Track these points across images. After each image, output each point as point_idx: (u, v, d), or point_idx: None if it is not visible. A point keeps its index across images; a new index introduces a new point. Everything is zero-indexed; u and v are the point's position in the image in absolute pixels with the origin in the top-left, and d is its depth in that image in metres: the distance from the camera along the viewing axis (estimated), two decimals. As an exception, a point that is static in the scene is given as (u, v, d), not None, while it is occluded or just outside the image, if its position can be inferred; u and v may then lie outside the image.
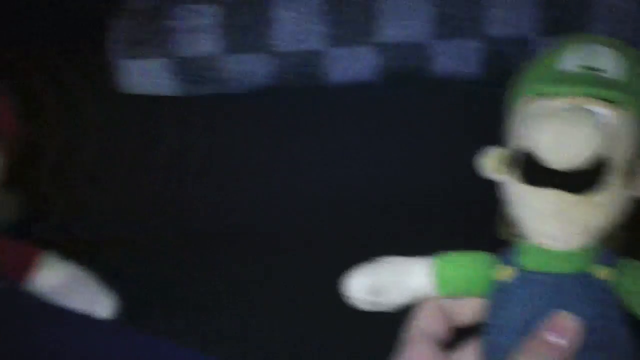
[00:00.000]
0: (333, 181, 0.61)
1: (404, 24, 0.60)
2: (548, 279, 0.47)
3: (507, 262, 0.48)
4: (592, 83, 0.46)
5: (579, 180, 0.44)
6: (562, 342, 0.43)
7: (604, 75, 0.47)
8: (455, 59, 0.61)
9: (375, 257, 0.49)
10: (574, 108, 0.45)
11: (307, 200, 0.61)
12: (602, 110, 0.45)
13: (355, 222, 0.60)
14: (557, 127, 0.44)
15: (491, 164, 0.49)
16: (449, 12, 0.60)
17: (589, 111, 0.45)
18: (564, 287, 0.46)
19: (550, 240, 0.47)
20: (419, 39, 0.60)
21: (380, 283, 0.52)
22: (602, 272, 0.46)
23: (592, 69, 0.47)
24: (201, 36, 0.61)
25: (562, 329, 0.44)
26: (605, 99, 0.46)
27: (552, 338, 0.43)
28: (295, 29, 0.60)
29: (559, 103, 0.47)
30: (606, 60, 0.49)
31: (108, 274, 0.56)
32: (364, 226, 0.59)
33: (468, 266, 0.51)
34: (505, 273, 0.48)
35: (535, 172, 0.45)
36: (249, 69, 0.62)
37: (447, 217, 0.59)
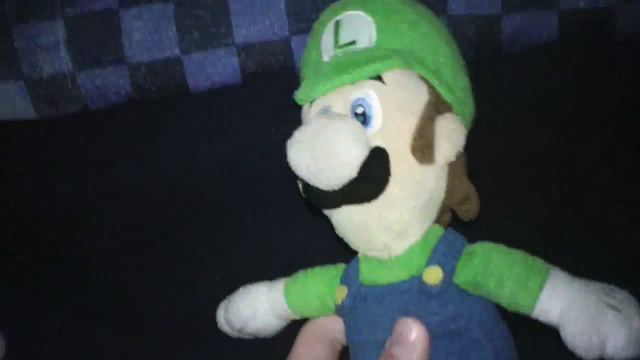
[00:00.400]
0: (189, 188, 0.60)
1: (258, 22, 0.58)
2: (382, 291, 0.43)
3: (347, 279, 0.46)
4: (342, 68, 0.42)
5: (357, 190, 0.41)
6: (407, 352, 0.40)
7: (354, 49, 0.44)
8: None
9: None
10: (320, 120, 0.41)
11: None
12: (364, 93, 0.42)
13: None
14: (306, 153, 0.41)
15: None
16: (303, 6, 0.58)
17: (338, 118, 0.41)
18: (395, 297, 0.43)
19: (371, 251, 0.44)
20: (275, 36, 0.58)
21: (234, 314, 0.51)
22: (432, 275, 0.42)
23: (346, 44, 0.44)
24: (49, 55, 0.59)
25: (404, 339, 0.40)
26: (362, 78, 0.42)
27: (396, 350, 0.40)
28: (147, 38, 0.58)
29: (315, 107, 0.44)
30: (354, 27, 0.45)
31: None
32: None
33: (312, 284, 0.49)
34: (340, 294, 0.45)
35: (309, 194, 0.43)
36: (104, 83, 0.59)
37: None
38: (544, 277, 0.40)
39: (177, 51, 0.58)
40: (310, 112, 0.45)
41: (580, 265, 0.59)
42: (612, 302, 0.38)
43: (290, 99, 0.60)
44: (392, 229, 0.42)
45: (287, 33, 0.58)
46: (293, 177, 0.43)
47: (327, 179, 0.40)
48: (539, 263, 0.41)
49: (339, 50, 0.44)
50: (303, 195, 0.45)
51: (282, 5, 0.58)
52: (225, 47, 0.58)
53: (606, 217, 0.58)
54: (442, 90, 0.44)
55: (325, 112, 0.44)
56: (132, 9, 0.58)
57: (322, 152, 0.40)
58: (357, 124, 0.41)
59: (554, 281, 0.40)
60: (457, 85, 0.45)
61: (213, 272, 0.58)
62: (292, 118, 0.59)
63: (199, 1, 0.58)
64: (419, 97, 0.43)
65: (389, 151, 0.41)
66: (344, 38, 0.44)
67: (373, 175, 0.41)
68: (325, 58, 0.45)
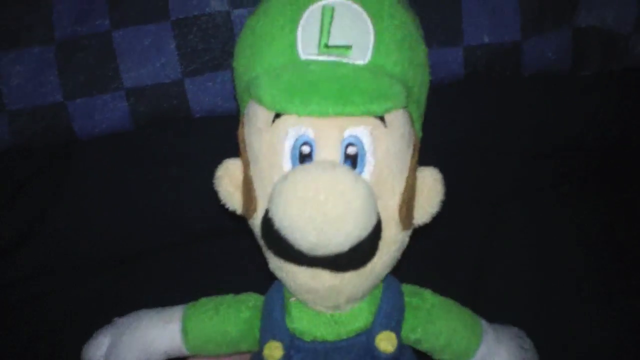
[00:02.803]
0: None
1: (147, 63, 0.54)
2: (324, 349, 0.39)
3: (274, 329, 0.40)
4: (346, 93, 0.33)
5: (345, 259, 0.34)
6: None
7: (347, 60, 0.35)
8: (211, 95, 0.55)
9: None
10: (327, 175, 0.32)
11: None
12: (362, 132, 0.34)
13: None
14: (312, 218, 0.32)
15: (225, 185, 0.39)
16: (195, 46, 0.54)
17: (350, 176, 0.33)
18: (341, 357, 0.39)
19: (315, 306, 0.39)
20: (167, 78, 0.55)
21: (114, 348, 0.44)
22: (388, 342, 0.38)
23: (338, 47, 0.35)
24: None
25: None
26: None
27: None
28: (25, 84, 0.54)
29: (285, 126, 0.35)
30: (350, 25, 0.35)
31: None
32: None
33: (221, 329, 0.43)
34: (275, 352, 0.39)
35: (281, 246, 0.35)
36: (-20, 133, 0.55)
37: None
38: (480, 337, 0.42)
39: (59, 97, 0.54)
40: (278, 131, 0.35)
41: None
42: (525, 346, 0.43)
43: (186, 145, 0.57)
44: (354, 297, 0.38)
45: (180, 75, 0.54)
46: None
47: (331, 250, 0.33)
48: (473, 318, 0.42)
49: (325, 50, 0.35)
50: (263, 240, 0.37)
51: (173, 45, 0.54)
52: (112, 92, 0.54)
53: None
54: (417, 126, 0.38)
55: (299, 143, 0.35)
56: (10, 53, 0.54)
57: (333, 225, 0.32)
58: (367, 184, 0.33)
59: (487, 341, 0.42)
60: (423, 112, 0.40)
61: None
62: (190, 163, 0.56)
63: (82, 43, 0.54)
64: (410, 145, 0.36)
65: (381, 215, 0.35)
66: (335, 37, 0.35)
67: (366, 246, 0.35)
68: (304, 54, 0.36)
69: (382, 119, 0.35)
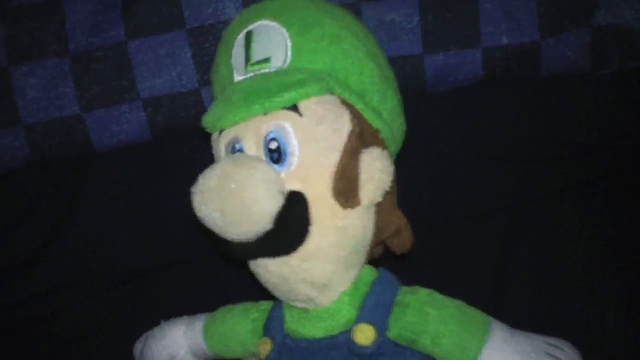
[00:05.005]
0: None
1: (164, 73, 0.54)
2: (308, 347, 0.39)
3: (271, 328, 0.42)
4: (252, 96, 0.37)
5: (273, 242, 0.37)
6: None
7: (268, 69, 0.39)
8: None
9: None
10: (227, 166, 0.36)
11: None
12: (278, 126, 0.37)
13: None
14: (213, 205, 0.35)
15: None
16: (213, 54, 0.54)
17: (247, 162, 0.36)
18: (323, 355, 0.39)
19: (294, 302, 0.40)
20: (184, 88, 0.54)
21: (147, 350, 0.48)
22: (364, 335, 0.38)
23: (259, 62, 0.39)
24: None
25: None
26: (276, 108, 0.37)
27: None
28: (41, 97, 0.53)
29: (224, 138, 0.39)
30: (268, 41, 0.39)
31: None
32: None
33: (233, 329, 0.45)
34: (264, 348, 0.41)
35: (219, 243, 0.38)
36: (-1, 147, 0.54)
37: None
38: (483, 338, 0.38)
39: (76, 109, 0.54)
40: (219, 144, 0.40)
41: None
42: (557, 355, 0.38)
43: (202, 158, 0.57)
44: (314, 283, 0.39)
45: (196, 84, 0.54)
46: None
47: (237, 233, 0.36)
48: (478, 319, 0.39)
49: (251, 69, 0.39)
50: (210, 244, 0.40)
51: (189, 55, 0.53)
52: (129, 102, 0.54)
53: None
54: (367, 115, 0.40)
55: (234, 148, 0.39)
56: (25, 66, 0.53)
57: (230, 205, 0.35)
58: (268, 169, 0.37)
59: (494, 343, 0.38)
60: (384, 107, 0.41)
61: None
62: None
63: (97, 54, 0.53)
64: (341, 129, 0.38)
65: (307, 196, 0.37)
66: (257, 54, 0.39)
67: (290, 226, 0.37)
68: (237, 77, 0.40)
69: (296, 109, 0.37)
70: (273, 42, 0.39)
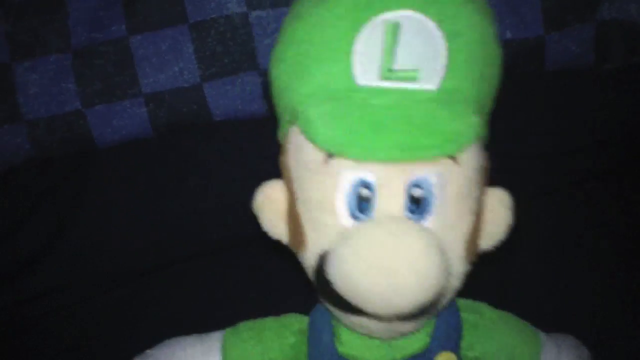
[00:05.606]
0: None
1: (165, 68, 0.53)
2: None
3: (320, 349, 0.37)
4: (415, 137, 0.29)
5: (412, 315, 0.32)
6: None
7: (415, 85, 0.30)
8: (231, 98, 0.54)
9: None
10: (394, 236, 0.29)
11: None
12: (430, 174, 0.30)
13: None
14: (375, 281, 0.29)
15: (268, 213, 0.35)
16: (214, 49, 0.54)
17: (417, 236, 0.29)
18: None
19: (370, 333, 0.36)
20: (186, 83, 0.54)
21: None
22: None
23: (405, 71, 0.30)
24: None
25: None
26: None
27: None
28: (42, 93, 0.53)
29: (346, 172, 0.31)
30: (418, 45, 0.30)
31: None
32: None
33: (264, 351, 0.39)
34: None
35: (345, 303, 0.31)
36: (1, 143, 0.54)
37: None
38: (538, 350, 0.39)
39: (77, 104, 0.53)
40: (334, 174, 0.31)
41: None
42: (583, 356, 0.41)
43: (206, 152, 0.56)
44: (415, 330, 0.36)
45: (198, 79, 0.54)
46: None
47: (394, 314, 0.30)
48: (531, 331, 0.41)
49: (390, 75, 0.30)
50: (318, 290, 0.34)
51: (191, 49, 0.53)
52: (131, 98, 0.53)
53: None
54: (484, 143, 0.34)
55: (357, 187, 0.31)
56: (26, 62, 0.53)
57: (401, 294, 0.29)
58: (440, 246, 0.30)
59: (547, 356, 0.40)
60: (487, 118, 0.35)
61: None
62: (211, 170, 0.55)
63: (99, 50, 0.53)
64: (484, 175, 0.33)
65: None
66: (402, 60, 0.30)
67: (432, 301, 0.31)
68: (363, 80, 0.31)
69: (453, 157, 0.31)
70: (425, 48, 0.30)
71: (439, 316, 0.37)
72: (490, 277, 0.60)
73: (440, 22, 0.30)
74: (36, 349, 0.59)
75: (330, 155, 0.31)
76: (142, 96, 0.53)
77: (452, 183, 0.31)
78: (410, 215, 0.31)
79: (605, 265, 0.60)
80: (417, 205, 0.31)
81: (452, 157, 0.31)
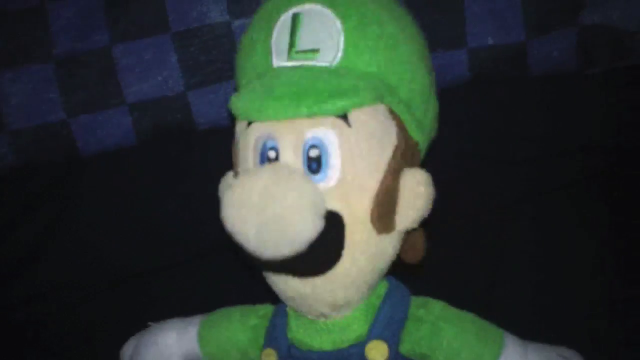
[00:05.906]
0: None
1: (149, 78, 0.54)
2: (316, 358, 0.38)
3: (274, 337, 0.40)
4: (299, 96, 0.33)
5: (303, 263, 0.34)
6: None
7: (314, 62, 0.35)
8: (215, 106, 0.55)
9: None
10: (268, 178, 0.32)
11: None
12: (323, 133, 0.34)
13: None
14: (250, 223, 0.32)
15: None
16: (197, 59, 0.54)
17: (291, 178, 0.32)
18: None
19: (305, 314, 0.38)
20: (170, 91, 0.54)
21: (137, 357, 0.46)
22: (377, 352, 0.36)
23: (306, 51, 0.35)
24: None
25: None
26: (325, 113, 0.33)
27: None
28: (26, 102, 0.53)
29: (254, 132, 0.35)
30: (318, 29, 0.35)
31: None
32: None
33: (231, 335, 0.43)
34: (268, 359, 0.39)
35: (246, 253, 0.34)
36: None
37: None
38: (497, 352, 0.38)
39: (61, 114, 0.53)
40: (247, 135, 0.36)
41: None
42: None
43: (190, 160, 0.56)
44: (335, 304, 0.37)
45: (182, 88, 0.54)
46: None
47: (270, 254, 0.33)
48: (491, 332, 0.39)
49: (295, 56, 0.36)
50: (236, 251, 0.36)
51: (174, 58, 0.53)
52: (115, 107, 0.54)
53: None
54: (410, 127, 0.37)
55: (265, 146, 0.35)
56: (8, 72, 0.53)
57: (270, 228, 0.32)
58: (316, 192, 0.33)
59: (508, 357, 0.38)
60: (426, 117, 0.39)
61: None
62: (195, 178, 0.56)
63: (82, 59, 0.53)
64: (387, 145, 0.35)
65: (345, 218, 0.34)
66: (303, 42, 0.36)
67: (324, 250, 0.34)
68: (276, 61, 0.36)
69: (345, 118, 0.34)
70: (324, 32, 0.35)
71: (381, 306, 0.38)
72: (478, 280, 0.61)
73: (334, 10, 0.36)
74: (32, 351, 0.60)
75: (249, 124, 0.36)
76: (126, 105, 0.54)
77: (346, 142, 0.34)
78: (309, 173, 0.35)
79: (594, 269, 0.60)
80: (317, 165, 0.34)
81: (344, 118, 0.34)
